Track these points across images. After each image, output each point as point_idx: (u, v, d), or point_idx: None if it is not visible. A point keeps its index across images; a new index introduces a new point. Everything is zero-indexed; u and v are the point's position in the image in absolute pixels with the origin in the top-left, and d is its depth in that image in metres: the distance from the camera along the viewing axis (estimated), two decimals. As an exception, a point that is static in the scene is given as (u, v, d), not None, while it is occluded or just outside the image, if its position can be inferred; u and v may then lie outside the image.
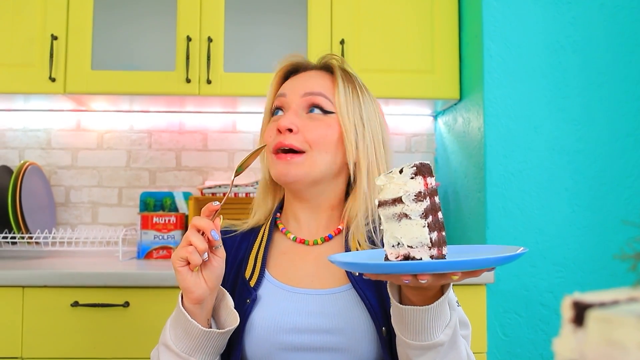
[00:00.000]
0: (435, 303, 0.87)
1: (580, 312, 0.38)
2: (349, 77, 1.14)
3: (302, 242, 1.13)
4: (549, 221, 2.06)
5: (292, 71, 1.19)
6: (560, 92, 2.09)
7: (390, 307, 0.94)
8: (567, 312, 0.39)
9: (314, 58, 2.23)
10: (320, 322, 1.03)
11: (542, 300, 2.04)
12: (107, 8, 2.29)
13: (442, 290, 0.89)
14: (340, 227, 1.13)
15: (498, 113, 2.08)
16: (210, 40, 2.26)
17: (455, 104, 2.39)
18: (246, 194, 2.43)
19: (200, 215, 0.96)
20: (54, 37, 2.24)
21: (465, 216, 2.26)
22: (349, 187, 1.16)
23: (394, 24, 2.32)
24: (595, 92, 2.10)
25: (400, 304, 0.89)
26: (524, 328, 2.04)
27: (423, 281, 0.78)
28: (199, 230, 0.93)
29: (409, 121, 2.67)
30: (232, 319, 1.00)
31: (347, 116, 1.09)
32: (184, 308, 0.96)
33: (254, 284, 1.06)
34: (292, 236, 1.14)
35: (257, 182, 2.47)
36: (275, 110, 1.13)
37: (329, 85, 1.12)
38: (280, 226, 1.16)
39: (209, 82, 2.24)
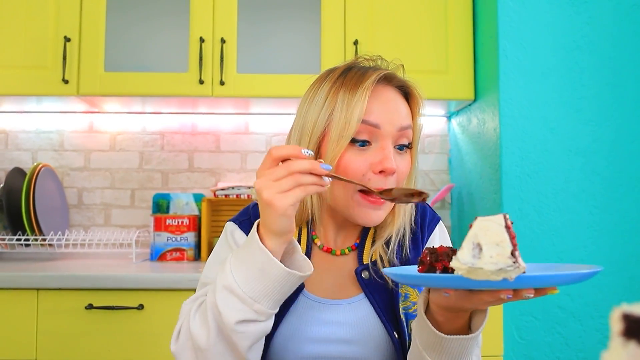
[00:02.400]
0: (481, 327, 0.86)
1: (630, 325, 0.37)
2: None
3: (329, 251, 1.09)
4: (565, 223, 2.04)
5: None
6: (576, 93, 2.07)
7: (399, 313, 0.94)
8: (616, 325, 0.38)
9: (327, 59, 2.24)
10: (339, 332, 1.01)
11: (558, 303, 2.02)
12: (119, 10, 2.29)
13: (471, 318, 0.88)
14: (355, 243, 1.10)
15: (514, 114, 2.06)
16: (223, 41, 2.25)
17: (470, 105, 2.37)
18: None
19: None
20: (67, 39, 2.23)
21: (480, 218, 2.24)
22: None
23: (407, 24, 2.31)
24: (612, 92, 2.07)
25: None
26: (541, 331, 2.02)
27: (530, 295, 0.73)
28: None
29: (422, 122, 2.65)
30: (306, 265, 0.93)
31: (418, 148, 1.05)
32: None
33: None
34: (319, 243, 1.10)
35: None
36: (362, 142, 0.98)
37: (409, 112, 1.03)
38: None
39: (222, 83, 2.23)
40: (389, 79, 1.03)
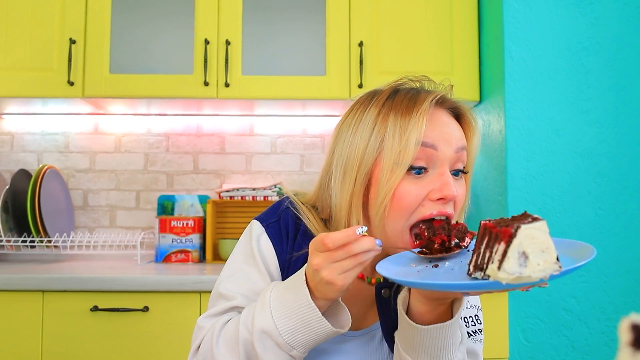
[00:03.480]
0: (455, 315, 0.84)
1: (639, 335, 0.37)
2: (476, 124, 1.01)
3: (362, 277, 1.01)
4: (571, 225, 2.03)
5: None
6: (582, 94, 2.06)
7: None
8: (625, 335, 0.37)
9: (332, 61, 2.24)
10: None
11: (564, 306, 2.01)
12: (124, 12, 2.29)
13: (451, 306, 0.87)
14: None
15: (519, 115, 2.06)
16: (228, 43, 2.25)
17: (475, 106, 2.36)
18: (264, 197, 2.42)
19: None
20: (72, 41, 2.24)
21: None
22: None
23: (412, 25, 2.30)
24: (618, 93, 2.06)
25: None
26: (546, 333, 2.01)
27: (546, 285, 0.73)
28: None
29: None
30: (346, 318, 0.90)
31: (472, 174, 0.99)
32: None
33: None
34: None
35: (274, 185, 2.46)
36: (418, 170, 0.91)
37: (464, 136, 0.96)
38: None
39: (227, 85, 2.23)
40: (441, 102, 0.96)
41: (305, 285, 0.86)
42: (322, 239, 0.81)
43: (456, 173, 0.94)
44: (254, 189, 2.43)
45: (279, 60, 2.29)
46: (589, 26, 2.08)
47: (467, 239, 0.88)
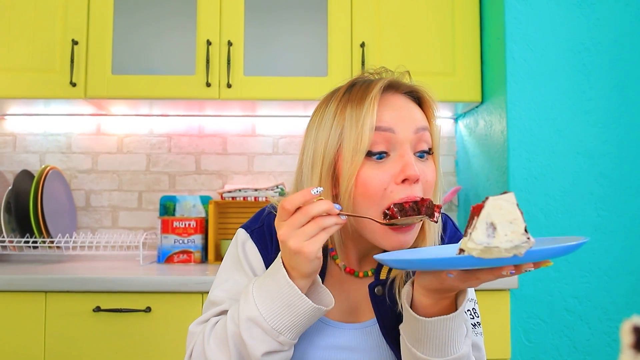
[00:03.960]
0: (460, 308, 0.84)
1: (641, 338, 0.37)
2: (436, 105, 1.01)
3: (352, 272, 1.03)
4: (573, 225, 2.03)
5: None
6: (584, 95, 2.06)
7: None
8: (626, 337, 0.38)
9: (334, 61, 2.24)
10: (350, 358, 0.99)
11: (566, 306, 2.01)
12: (127, 13, 2.29)
13: (456, 298, 0.87)
14: None
15: (521, 116, 2.06)
16: (230, 44, 2.25)
17: (477, 107, 2.36)
18: (266, 198, 2.42)
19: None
20: (75, 42, 2.24)
21: (487, 220, 2.23)
22: None
23: (414, 26, 2.31)
24: (620, 94, 2.06)
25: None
26: (548, 334, 2.01)
27: (531, 268, 0.73)
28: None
29: (439, 124, 2.65)
30: (328, 298, 0.92)
31: (439, 154, 0.98)
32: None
33: None
34: (342, 264, 1.04)
35: (276, 186, 2.46)
36: (379, 155, 0.92)
37: (425, 117, 0.97)
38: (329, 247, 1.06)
39: (229, 86, 2.24)
40: (396, 87, 0.98)
41: (282, 267, 0.88)
42: (282, 202, 0.84)
43: (421, 155, 0.94)
44: (256, 190, 2.44)
45: (281, 61, 2.29)
46: (591, 26, 2.08)
47: (436, 214, 0.89)
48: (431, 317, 0.85)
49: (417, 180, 0.91)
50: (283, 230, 0.84)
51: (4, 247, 2.37)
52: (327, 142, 0.95)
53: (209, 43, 2.25)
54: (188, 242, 2.36)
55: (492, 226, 0.69)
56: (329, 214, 0.83)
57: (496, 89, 2.17)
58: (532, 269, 0.74)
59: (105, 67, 2.26)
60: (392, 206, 0.89)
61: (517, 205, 0.69)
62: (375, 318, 1.00)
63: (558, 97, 2.06)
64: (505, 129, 2.07)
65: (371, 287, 0.99)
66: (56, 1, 2.28)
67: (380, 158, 0.92)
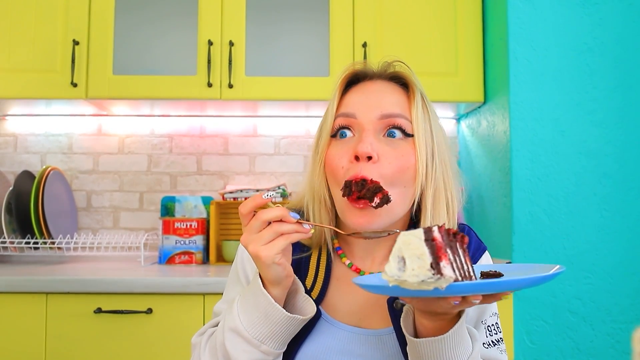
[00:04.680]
0: (451, 330, 0.83)
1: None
2: (417, 89, 0.99)
3: (358, 271, 1.02)
4: (577, 226, 2.02)
5: (352, 81, 1.02)
6: (588, 95, 2.05)
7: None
8: (638, 346, 0.37)
9: (336, 61, 2.23)
10: None
11: (570, 307, 2.00)
12: (128, 13, 2.29)
13: (458, 317, 0.85)
14: None
15: (524, 116, 2.05)
16: (231, 44, 2.24)
17: (479, 107, 2.35)
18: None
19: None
20: (76, 43, 2.24)
21: (490, 221, 2.22)
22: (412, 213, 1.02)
23: (416, 26, 2.30)
24: (623, 94, 2.05)
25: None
26: (552, 336, 2.00)
27: (476, 301, 0.75)
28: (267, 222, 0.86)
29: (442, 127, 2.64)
30: (308, 306, 0.93)
31: (425, 138, 0.96)
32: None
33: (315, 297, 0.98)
34: (348, 262, 1.02)
35: (278, 187, 2.46)
36: (340, 132, 0.96)
37: (404, 102, 0.97)
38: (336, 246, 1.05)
39: (230, 86, 2.23)
40: (377, 74, 1.01)
41: (259, 277, 0.90)
42: (239, 207, 0.87)
43: (391, 134, 0.95)
44: (257, 190, 2.43)
45: (283, 61, 2.28)
46: (594, 26, 2.07)
47: (376, 199, 0.89)
48: (425, 337, 0.85)
49: (370, 159, 0.91)
50: (243, 235, 0.88)
51: (5, 248, 2.36)
52: (322, 121, 1.02)
53: (210, 43, 2.24)
54: (189, 243, 2.36)
55: (403, 260, 0.71)
56: (283, 221, 0.86)
57: (499, 89, 2.16)
58: (478, 301, 0.76)
59: (107, 67, 2.25)
60: (352, 181, 0.91)
61: (436, 239, 0.71)
62: (390, 327, 0.97)
63: (561, 97, 2.05)
64: (508, 129, 2.06)
65: (390, 302, 0.97)
66: (57, 1, 2.27)
67: (343, 136, 0.96)
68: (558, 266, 0.79)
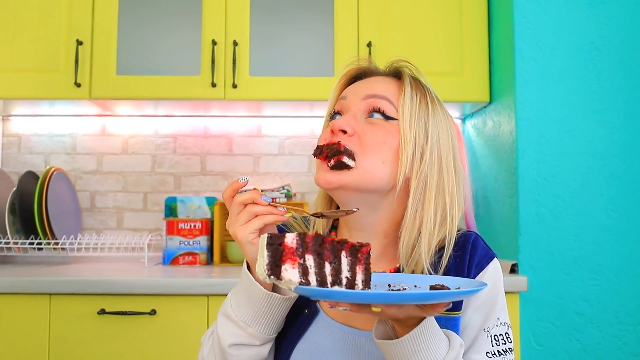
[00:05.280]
0: (406, 336, 0.82)
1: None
2: (419, 85, 1.01)
3: None
4: (583, 227, 2.00)
5: (357, 77, 1.07)
6: (594, 95, 2.04)
7: None
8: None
9: (341, 62, 2.22)
10: None
11: (576, 309, 1.98)
12: (131, 13, 2.28)
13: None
14: (397, 266, 0.99)
15: (530, 116, 2.03)
16: (235, 44, 2.23)
17: (485, 107, 2.34)
18: (272, 199, 2.40)
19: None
20: (79, 42, 2.23)
21: (496, 222, 2.21)
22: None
23: (421, 25, 2.28)
24: (631, 94, 2.04)
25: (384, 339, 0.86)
26: (558, 337, 1.98)
27: (342, 308, 0.77)
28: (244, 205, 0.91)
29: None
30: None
31: (410, 124, 0.96)
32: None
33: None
34: None
35: (282, 187, 2.45)
36: (334, 115, 1.03)
37: (395, 90, 1.00)
38: None
39: (234, 86, 2.22)
40: (379, 71, 1.07)
41: (245, 261, 0.95)
42: (222, 193, 0.94)
43: (372, 115, 0.98)
44: (262, 191, 2.41)
45: (287, 61, 2.27)
46: (601, 25, 2.06)
47: (332, 161, 0.94)
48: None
49: (343, 132, 0.96)
50: (228, 219, 0.93)
51: (9, 249, 2.35)
52: (327, 110, 1.08)
53: (214, 43, 2.23)
54: (193, 243, 2.35)
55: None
56: (256, 203, 0.89)
57: (505, 89, 2.14)
58: (379, 310, 0.77)
59: (110, 67, 2.25)
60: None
61: (272, 245, 0.75)
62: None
63: (568, 97, 2.04)
64: (514, 129, 2.05)
65: None
66: (60, 1, 2.27)
67: (334, 118, 1.02)
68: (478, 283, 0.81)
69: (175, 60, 2.27)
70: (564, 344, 1.98)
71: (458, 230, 1.01)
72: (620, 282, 1.99)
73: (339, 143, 0.94)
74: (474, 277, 0.98)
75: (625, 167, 2.02)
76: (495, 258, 1.02)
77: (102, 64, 2.24)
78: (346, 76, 1.06)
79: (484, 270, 0.99)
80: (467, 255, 0.99)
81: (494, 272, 1.01)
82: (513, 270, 2.00)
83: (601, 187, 2.01)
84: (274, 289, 0.95)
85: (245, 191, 0.92)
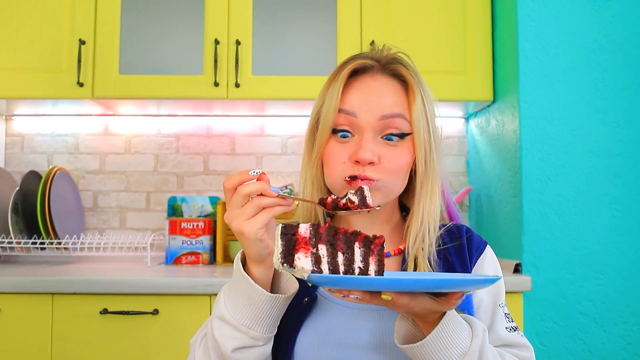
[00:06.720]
0: (428, 337, 0.82)
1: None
2: (418, 84, 1.00)
3: None
4: (587, 227, 1.99)
5: (354, 72, 1.02)
6: (599, 93, 2.03)
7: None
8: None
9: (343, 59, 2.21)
10: (367, 338, 0.96)
11: (580, 309, 1.97)
12: (134, 13, 2.28)
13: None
14: (401, 247, 1.04)
15: (534, 115, 2.02)
16: (238, 43, 2.23)
17: (489, 106, 2.33)
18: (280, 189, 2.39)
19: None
20: (82, 42, 2.23)
21: (499, 222, 2.20)
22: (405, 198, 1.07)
23: (424, 23, 2.27)
24: (635, 92, 2.03)
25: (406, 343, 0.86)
26: (562, 337, 1.98)
27: (353, 296, 0.76)
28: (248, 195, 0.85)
29: (439, 123, 2.62)
30: (291, 285, 0.94)
31: (422, 134, 0.98)
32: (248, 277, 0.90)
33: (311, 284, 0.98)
34: None
35: (285, 187, 2.44)
36: (342, 134, 0.98)
37: (404, 100, 0.99)
38: None
39: (237, 85, 2.21)
40: (378, 69, 1.02)
41: (240, 260, 0.91)
42: (223, 182, 0.87)
43: (389, 138, 0.97)
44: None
45: (290, 60, 2.26)
46: (605, 24, 2.05)
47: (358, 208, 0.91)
48: (420, 339, 0.85)
49: (371, 163, 0.94)
50: (227, 212, 0.87)
51: (12, 249, 2.36)
52: (313, 114, 1.04)
53: (217, 42, 2.22)
54: (196, 243, 2.34)
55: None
56: (264, 195, 0.85)
57: (508, 87, 2.13)
58: (389, 298, 0.77)
59: (113, 67, 2.24)
60: (331, 196, 0.92)
61: (286, 235, 0.77)
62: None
63: (571, 95, 2.03)
64: (517, 128, 2.04)
65: None
66: (63, 1, 2.27)
67: (344, 137, 0.98)
68: (485, 276, 0.79)
69: (178, 60, 2.27)
70: (568, 344, 1.97)
71: (445, 224, 1.08)
72: (624, 282, 1.98)
73: (370, 181, 0.94)
74: (475, 260, 1.04)
75: (630, 166, 2.01)
76: (487, 245, 1.09)
77: (105, 64, 2.24)
78: (345, 77, 1.00)
79: (484, 253, 1.06)
80: (464, 243, 1.05)
81: (491, 254, 1.08)
82: (517, 269, 1.99)
83: (605, 186, 2.00)
84: (273, 287, 0.94)
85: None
